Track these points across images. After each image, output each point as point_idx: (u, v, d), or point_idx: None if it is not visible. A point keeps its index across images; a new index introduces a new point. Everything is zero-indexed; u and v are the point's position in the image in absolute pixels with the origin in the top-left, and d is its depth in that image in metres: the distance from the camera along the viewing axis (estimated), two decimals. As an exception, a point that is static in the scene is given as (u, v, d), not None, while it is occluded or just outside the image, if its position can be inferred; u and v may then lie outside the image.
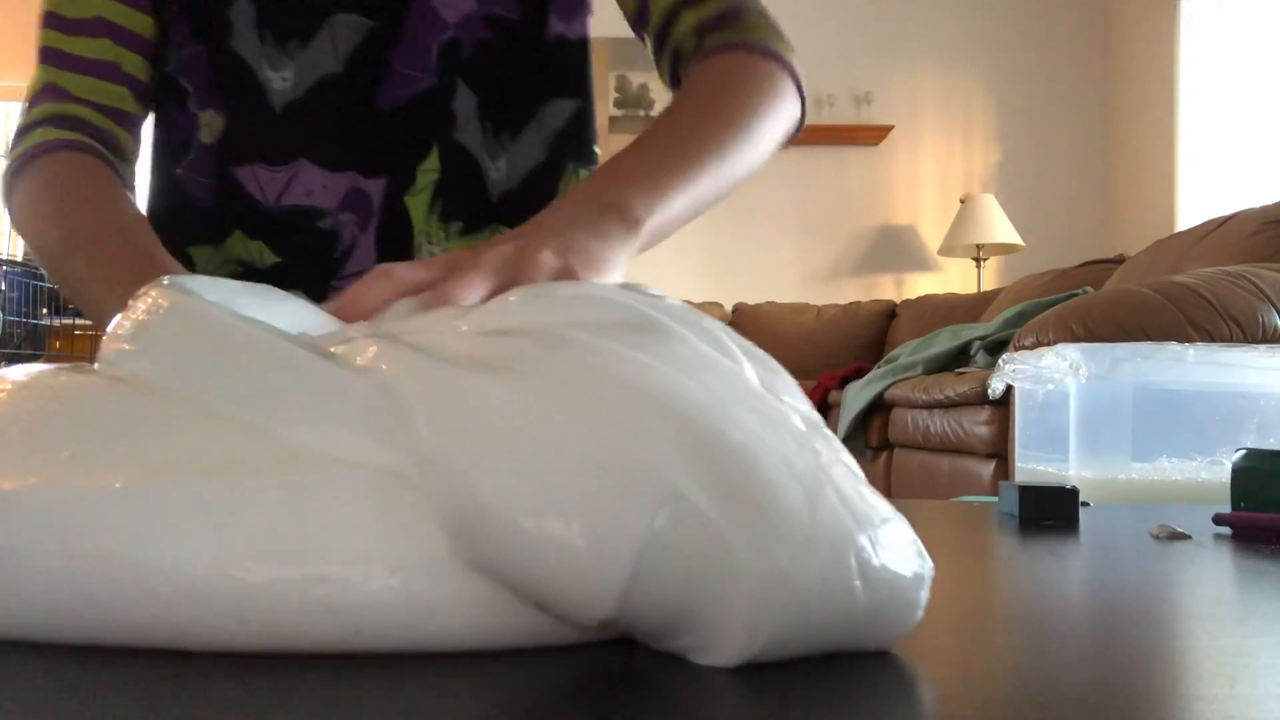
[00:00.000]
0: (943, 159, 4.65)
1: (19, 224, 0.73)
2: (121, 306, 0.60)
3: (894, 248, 4.68)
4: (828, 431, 0.39)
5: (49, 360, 3.39)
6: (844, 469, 0.33)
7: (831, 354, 4.11)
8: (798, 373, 4.15)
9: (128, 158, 0.78)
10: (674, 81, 0.79)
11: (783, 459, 0.30)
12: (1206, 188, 3.87)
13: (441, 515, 0.28)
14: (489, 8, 0.79)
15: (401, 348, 0.33)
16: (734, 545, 0.27)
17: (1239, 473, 0.70)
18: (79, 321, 3.69)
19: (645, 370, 0.31)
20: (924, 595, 0.30)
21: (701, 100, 0.68)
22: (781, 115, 0.71)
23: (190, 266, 0.79)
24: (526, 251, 0.47)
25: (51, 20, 0.77)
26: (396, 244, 0.79)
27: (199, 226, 0.80)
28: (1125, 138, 4.51)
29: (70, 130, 0.73)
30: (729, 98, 0.68)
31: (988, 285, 4.35)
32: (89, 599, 0.27)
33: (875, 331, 4.25)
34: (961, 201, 4.39)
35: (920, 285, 4.62)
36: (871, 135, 4.55)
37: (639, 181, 0.59)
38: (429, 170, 0.79)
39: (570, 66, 0.83)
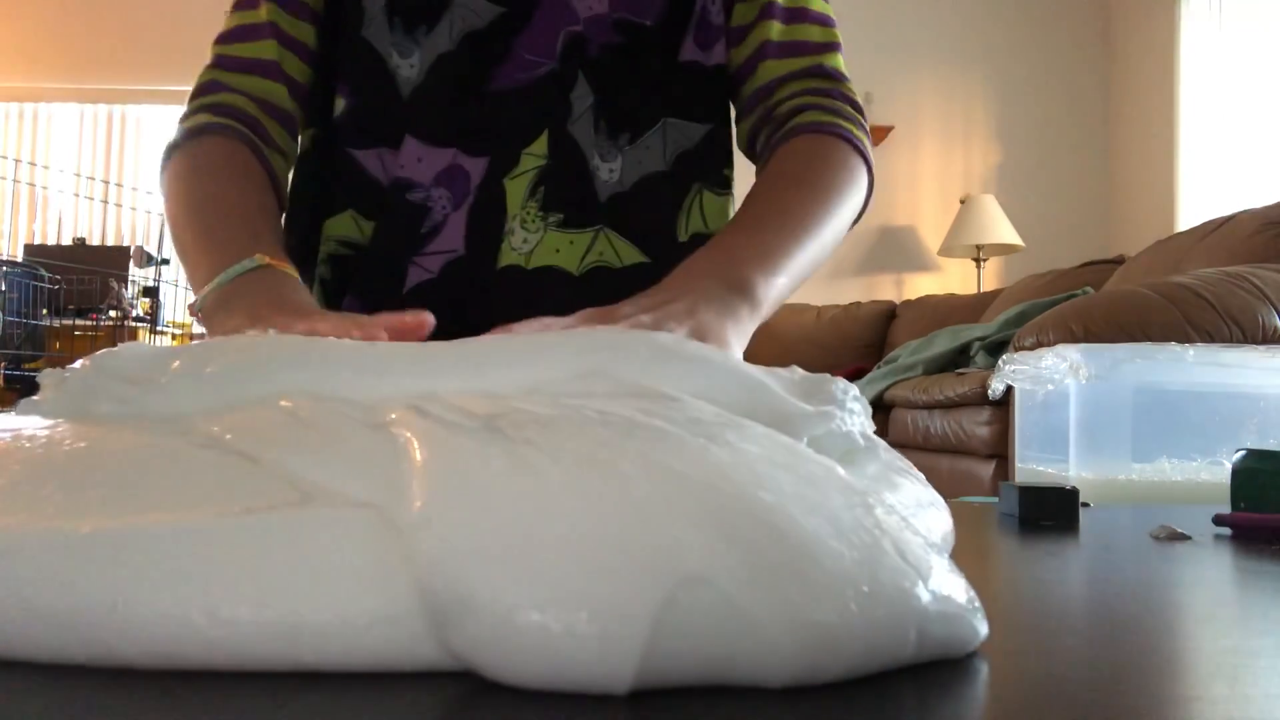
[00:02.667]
0: (943, 159, 4.66)
1: (165, 201, 0.78)
2: (204, 280, 0.63)
3: (894, 248, 4.68)
4: (897, 470, 0.38)
5: (50, 361, 3.39)
6: (900, 520, 0.30)
7: (831, 355, 4.11)
8: (798, 373, 4.18)
9: (279, 150, 0.80)
10: (751, 139, 0.85)
11: (828, 517, 0.27)
12: (1206, 188, 3.87)
13: (423, 598, 0.25)
14: (622, 13, 0.80)
15: (421, 414, 0.31)
16: (765, 621, 0.24)
17: (1239, 473, 0.70)
18: (79, 323, 3.69)
19: (661, 436, 0.29)
20: (972, 645, 0.29)
21: (801, 183, 0.74)
22: (857, 203, 0.78)
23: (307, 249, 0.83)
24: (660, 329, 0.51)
25: (222, 36, 0.82)
26: (489, 225, 0.79)
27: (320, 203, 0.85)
28: (1125, 138, 4.51)
29: (223, 117, 0.77)
30: (824, 184, 0.74)
31: (988, 286, 4.35)
32: (60, 624, 0.26)
33: (875, 332, 4.25)
34: (961, 202, 4.39)
35: (920, 286, 4.62)
36: (871, 136, 4.55)
37: (758, 263, 0.64)
38: (534, 155, 0.79)
39: (703, 93, 0.84)
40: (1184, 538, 0.59)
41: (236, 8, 0.82)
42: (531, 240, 0.80)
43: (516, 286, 0.79)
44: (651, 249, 0.82)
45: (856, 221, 0.82)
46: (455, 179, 0.79)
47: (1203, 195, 3.88)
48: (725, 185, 0.87)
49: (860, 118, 0.82)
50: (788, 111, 0.80)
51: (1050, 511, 0.67)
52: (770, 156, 0.79)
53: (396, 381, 0.36)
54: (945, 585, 0.28)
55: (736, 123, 0.86)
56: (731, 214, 0.86)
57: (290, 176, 0.83)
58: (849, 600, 0.25)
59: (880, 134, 4.55)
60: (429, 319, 0.52)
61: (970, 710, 0.24)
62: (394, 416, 0.31)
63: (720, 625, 0.24)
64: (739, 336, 0.59)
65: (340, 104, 0.82)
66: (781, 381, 0.40)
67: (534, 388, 0.35)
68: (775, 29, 0.82)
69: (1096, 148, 4.61)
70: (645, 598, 0.24)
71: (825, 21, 0.84)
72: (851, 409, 0.40)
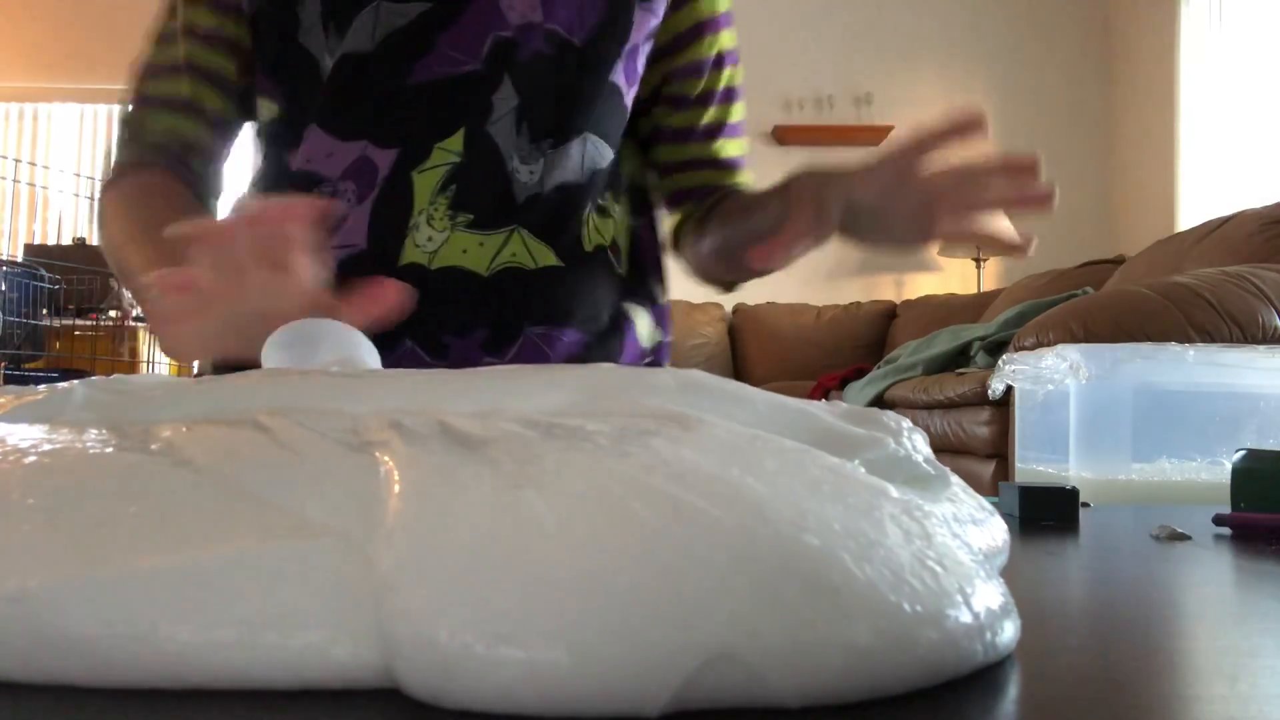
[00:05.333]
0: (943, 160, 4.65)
1: (100, 232, 0.81)
2: (142, 264, 0.67)
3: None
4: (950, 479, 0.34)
5: (49, 362, 3.39)
6: (963, 544, 0.27)
7: (832, 355, 4.11)
8: (798, 374, 4.15)
9: (203, 179, 0.83)
10: (679, 227, 0.93)
11: (885, 560, 0.24)
12: (1206, 188, 3.87)
13: (391, 661, 0.22)
14: (555, 26, 0.79)
15: (406, 439, 0.28)
16: (802, 697, 0.21)
17: (1239, 473, 0.69)
18: (79, 323, 3.69)
19: (685, 471, 0.25)
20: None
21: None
22: None
23: None
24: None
25: (142, 70, 0.84)
26: (393, 219, 0.78)
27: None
28: (1125, 138, 4.51)
29: (149, 152, 0.81)
30: None
31: (988, 286, 4.35)
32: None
33: (875, 332, 4.25)
34: (961, 202, 4.39)
35: (920, 286, 4.62)
36: (871, 136, 4.55)
37: None
38: (448, 151, 0.78)
39: (617, 119, 0.85)
40: (1184, 538, 0.59)
41: (156, 41, 0.83)
42: (437, 239, 0.78)
43: (418, 286, 0.76)
44: (563, 254, 0.82)
45: None
46: (363, 172, 0.78)
47: (1203, 195, 3.88)
48: (604, 213, 0.87)
49: None
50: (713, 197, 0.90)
51: (1050, 511, 0.67)
52: (712, 211, 0.88)
53: (392, 404, 0.33)
54: (1001, 617, 0.26)
55: (674, 214, 0.94)
56: (616, 230, 0.89)
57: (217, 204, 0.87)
58: (904, 667, 0.23)
59: (880, 134, 4.54)
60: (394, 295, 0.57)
61: (967, 709, 0.24)
62: (377, 437, 0.28)
63: (748, 698, 0.21)
64: None
65: (273, 109, 0.83)
66: (827, 410, 0.37)
67: (542, 411, 0.32)
68: (732, 145, 0.91)
69: (1096, 148, 4.61)
70: (656, 687, 0.21)
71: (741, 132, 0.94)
72: (912, 439, 0.37)
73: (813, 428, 0.34)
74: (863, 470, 0.30)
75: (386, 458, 0.27)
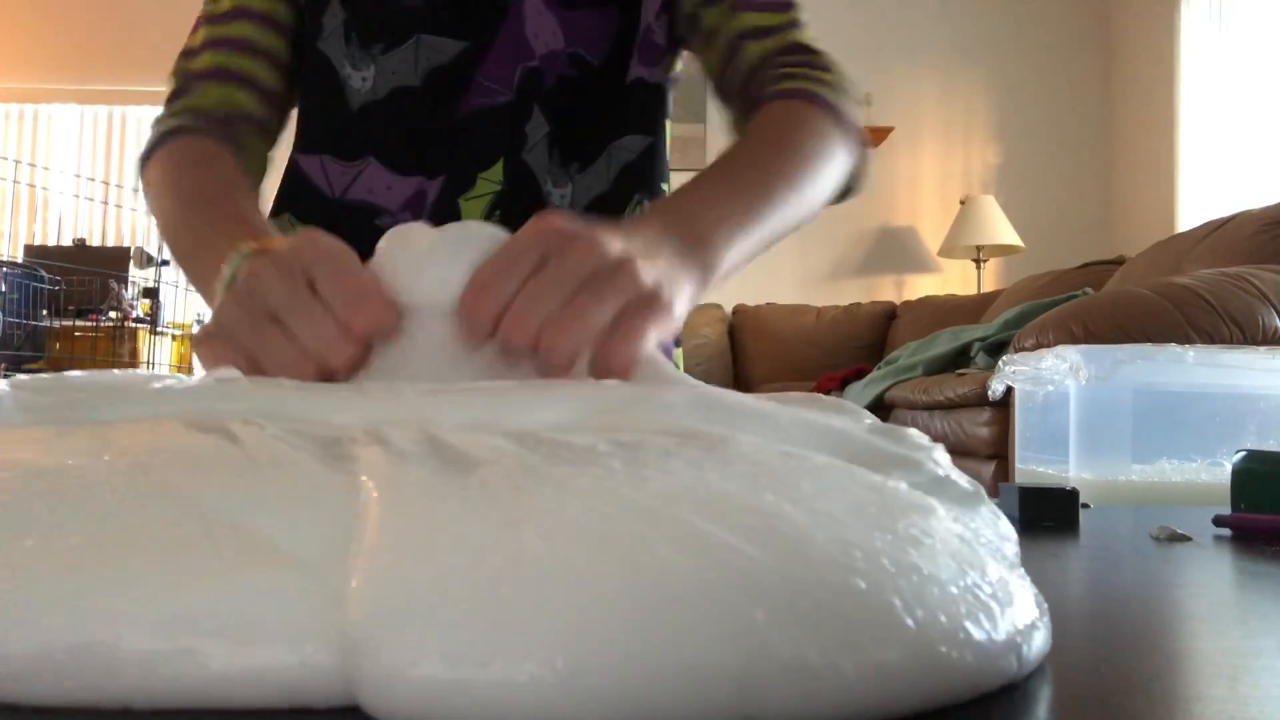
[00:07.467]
0: (943, 160, 4.65)
1: (151, 200, 0.79)
2: (210, 271, 0.59)
3: (894, 249, 4.68)
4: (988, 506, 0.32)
5: (50, 363, 3.39)
6: (1011, 563, 0.26)
7: (831, 355, 4.11)
8: (797, 374, 4.14)
9: (254, 154, 0.82)
10: (737, 125, 0.83)
11: (941, 601, 0.21)
12: (1206, 188, 3.87)
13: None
14: (575, 48, 0.82)
15: (390, 457, 0.25)
16: None
17: (1239, 474, 0.70)
18: (79, 323, 3.69)
19: (711, 499, 0.22)
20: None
21: (769, 142, 0.72)
22: (836, 169, 0.75)
23: None
24: (628, 268, 0.46)
25: (201, 45, 0.83)
26: None
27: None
28: (1125, 138, 4.51)
29: (197, 120, 0.80)
30: (794, 144, 0.71)
31: (988, 287, 4.35)
32: None
33: (875, 333, 4.25)
34: (961, 203, 4.39)
35: (920, 286, 4.62)
36: (871, 136, 4.54)
37: (717, 223, 0.61)
38: (490, 181, 0.82)
39: (645, 107, 0.86)
40: (1184, 538, 0.59)
41: (208, 21, 0.83)
42: None
43: None
44: None
45: (850, 194, 0.81)
46: (417, 202, 0.82)
47: (1203, 195, 3.88)
48: (660, 195, 0.89)
49: (839, 81, 0.79)
50: (762, 83, 0.79)
51: (1050, 512, 0.67)
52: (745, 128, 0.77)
53: (381, 417, 0.30)
54: (1036, 635, 0.25)
55: (729, 116, 0.86)
56: None
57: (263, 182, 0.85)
58: (941, 701, 0.21)
59: (880, 134, 4.55)
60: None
61: (967, 708, 0.24)
62: (358, 453, 0.25)
63: None
64: (689, 300, 0.56)
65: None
66: (855, 426, 0.34)
67: (546, 426, 0.29)
68: (745, 19, 0.82)
69: (1096, 148, 4.61)
70: None
71: (783, 5, 0.84)
72: (937, 458, 0.34)
73: (846, 448, 0.31)
74: (904, 486, 0.28)
75: (366, 477, 0.24)
